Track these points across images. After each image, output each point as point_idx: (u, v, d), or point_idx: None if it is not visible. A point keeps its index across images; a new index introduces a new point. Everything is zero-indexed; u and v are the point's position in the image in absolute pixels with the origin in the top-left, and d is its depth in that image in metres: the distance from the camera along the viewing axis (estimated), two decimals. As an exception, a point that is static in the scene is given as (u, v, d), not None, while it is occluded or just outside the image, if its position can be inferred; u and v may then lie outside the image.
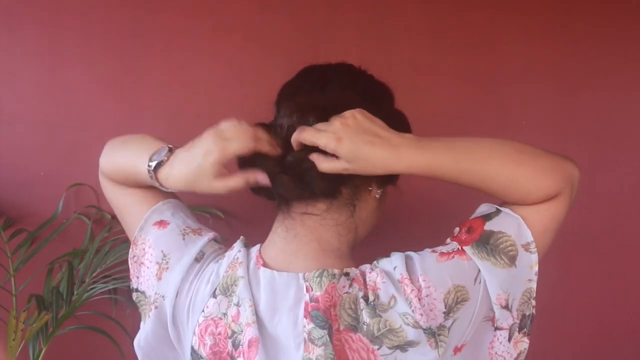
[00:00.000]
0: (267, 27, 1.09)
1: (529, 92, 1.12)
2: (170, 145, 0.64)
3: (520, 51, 1.11)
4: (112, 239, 1.05)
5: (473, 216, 0.65)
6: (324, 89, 0.65)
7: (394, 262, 0.60)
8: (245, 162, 0.62)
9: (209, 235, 0.71)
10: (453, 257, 0.60)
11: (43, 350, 0.93)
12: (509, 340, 0.60)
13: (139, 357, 0.69)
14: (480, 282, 0.58)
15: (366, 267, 0.61)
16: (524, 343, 0.61)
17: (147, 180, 0.64)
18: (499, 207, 0.63)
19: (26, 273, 1.02)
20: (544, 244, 0.62)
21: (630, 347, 1.16)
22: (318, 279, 0.59)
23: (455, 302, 0.57)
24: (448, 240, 0.64)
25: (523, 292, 0.60)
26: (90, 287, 0.99)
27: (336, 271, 0.59)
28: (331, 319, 0.57)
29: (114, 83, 1.08)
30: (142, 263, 0.68)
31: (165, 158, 0.63)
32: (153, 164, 0.63)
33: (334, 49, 1.09)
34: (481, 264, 0.58)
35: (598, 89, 1.13)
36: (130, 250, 0.71)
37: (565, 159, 0.62)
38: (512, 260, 0.59)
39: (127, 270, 1.02)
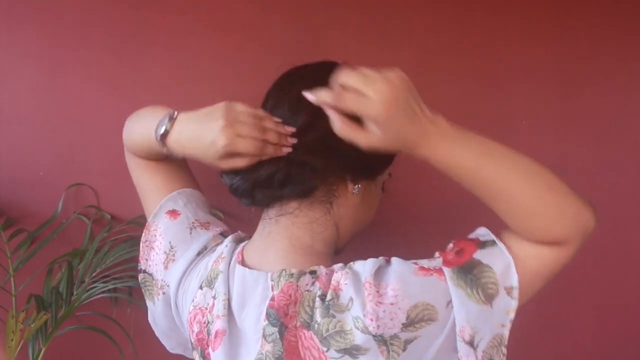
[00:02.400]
0: (267, 27, 1.09)
1: (529, 92, 1.12)
2: (172, 112, 0.66)
3: (520, 51, 1.11)
4: (112, 239, 1.05)
5: (470, 236, 0.64)
6: (293, 87, 0.64)
7: (366, 266, 0.59)
8: (227, 177, 0.66)
9: (216, 230, 0.75)
10: (431, 274, 0.57)
11: (42, 351, 0.93)
12: None
13: (156, 333, 0.76)
14: (452, 308, 0.55)
15: (337, 267, 0.61)
16: None
17: (162, 150, 0.66)
18: (495, 239, 0.60)
19: (26, 273, 1.02)
20: (530, 291, 0.58)
21: (631, 347, 1.16)
22: (278, 278, 0.60)
23: (419, 318, 0.54)
24: (437, 254, 0.62)
25: (494, 335, 0.56)
26: (90, 287, 0.99)
27: (294, 271, 0.60)
28: (286, 317, 0.58)
29: (114, 83, 1.08)
30: (152, 248, 0.73)
31: (170, 125, 0.65)
32: (159, 133, 0.65)
33: (334, 49, 1.09)
34: (455, 291, 0.55)
35: (598, 89, 1.13)
36: (143, 234, 0.75)
37: (587, 207, 0.59)
38: (489, 298, 0.55)
39: (127, 270, 1.03)
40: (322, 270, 0.61)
